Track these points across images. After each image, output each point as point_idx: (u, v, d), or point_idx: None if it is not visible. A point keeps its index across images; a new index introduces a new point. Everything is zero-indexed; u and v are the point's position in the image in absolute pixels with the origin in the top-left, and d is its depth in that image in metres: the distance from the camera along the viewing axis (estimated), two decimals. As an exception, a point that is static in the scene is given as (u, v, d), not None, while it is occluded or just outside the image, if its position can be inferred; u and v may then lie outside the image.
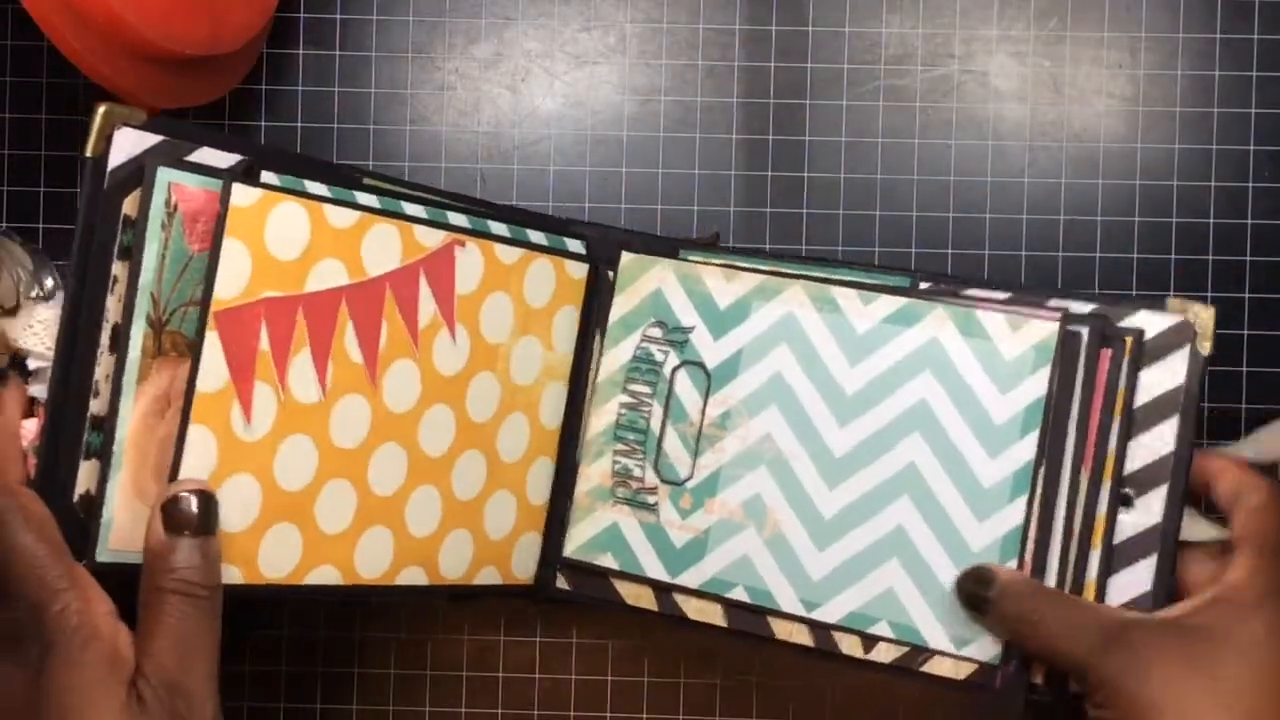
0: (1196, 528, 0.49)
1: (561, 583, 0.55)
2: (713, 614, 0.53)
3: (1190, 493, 0.49)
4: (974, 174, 0.59)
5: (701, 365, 0.54)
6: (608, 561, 0.55)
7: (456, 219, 0.52)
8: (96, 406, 0.44)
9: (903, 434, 0.51)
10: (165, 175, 0.44)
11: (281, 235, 0.46)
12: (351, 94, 0.59)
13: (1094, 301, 0.50)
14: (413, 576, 0.52)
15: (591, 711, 0.59)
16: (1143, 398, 0.49)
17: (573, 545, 0.55)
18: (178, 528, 0.43)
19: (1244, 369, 0.58)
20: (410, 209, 0.51)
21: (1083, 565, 0.49)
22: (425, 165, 0.59)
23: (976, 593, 0.49)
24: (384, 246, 0.49)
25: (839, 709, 0.59)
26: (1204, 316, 0.49)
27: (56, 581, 0.41)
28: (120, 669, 0.41)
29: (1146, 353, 0.49)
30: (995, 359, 0.50)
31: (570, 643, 0.59)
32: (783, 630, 0.52)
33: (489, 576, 0.54)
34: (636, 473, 0.54)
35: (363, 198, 0.49)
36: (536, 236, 0.54)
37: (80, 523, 0.44)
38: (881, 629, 0.50)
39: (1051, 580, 0.49)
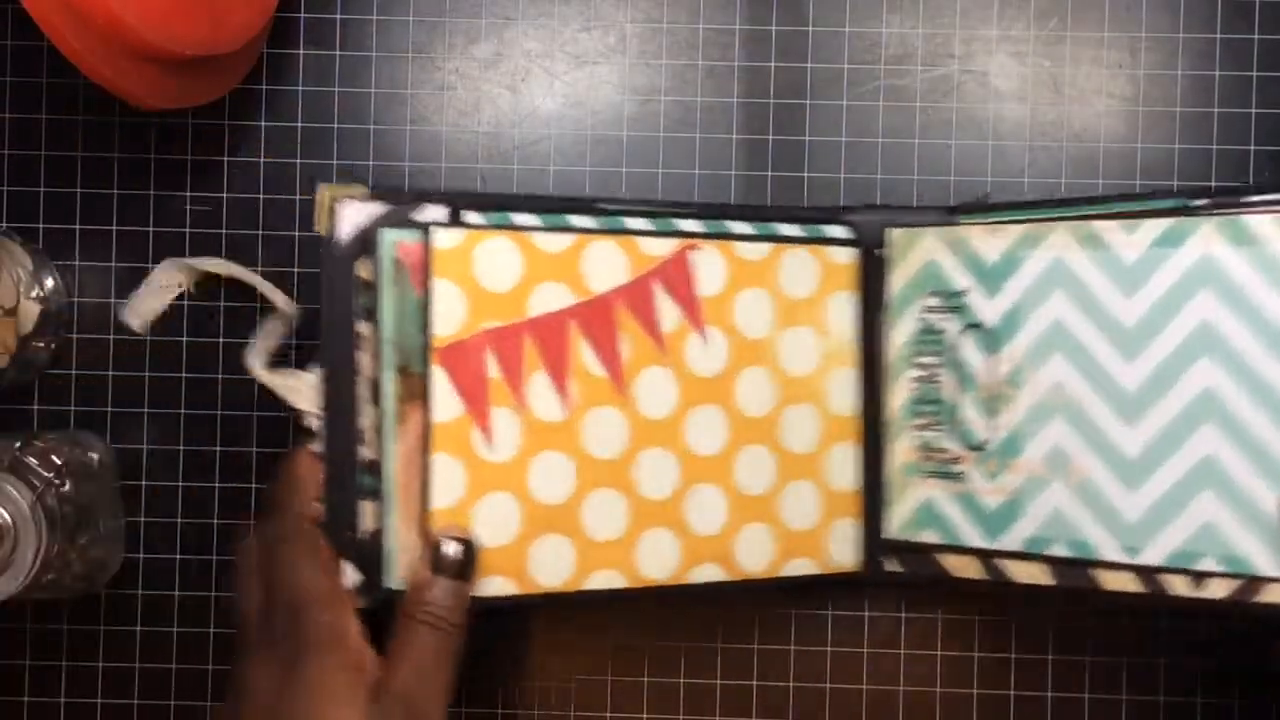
0: None
1: (892, 565, 0.56)
2: (1038, 574, 0.52)
3: None
4: (974, 174, 0.59)
5: (982, 326, 0.54)
6: (929, 537, 0.55)
7: (688, 225, 0.53)
8: (367, 452, 0.50)
9: (1192, 359, 0.49)
10: (389, 236, 0.49)
11: (491, 269, 0.50)
12: (351, 94, 0.59)
13: None
14: (708, 574, 0.53)
15: (591, 711, 0.59)
16: None
17: (893, 526, 0.55)
18: (438, 568, 0.48)
19: None
20: (632, 223, 0.53)
21: None
22: (425, 165, 0.59)
23: None
24: (607, 263, 0.51)
25: (839, 709, 0.59)
26: None
27: (318, 597, 0.47)
28: (364, 678, 0.46)
29: None
30: (1272, 263, 0.48)
31: (570, 642, 0.59)
32: (1110, 580, 0.51)
33: (802, 567, 0.55)
34: (939, 444, 0.54)
35: (577, 220, 0.52)
36: (788, 229, 0.55)
37: (367, 557, 0.49)
38: (1208, 564, 0.48)
39: None
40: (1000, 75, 0.59)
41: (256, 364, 0.53)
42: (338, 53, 0.59)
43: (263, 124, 0.59)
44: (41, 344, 0.57)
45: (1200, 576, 0.49)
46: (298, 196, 0.59)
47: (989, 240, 0.53)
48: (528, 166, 0.59)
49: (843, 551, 0.56)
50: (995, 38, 0.59)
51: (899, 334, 0.55)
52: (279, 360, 0.55)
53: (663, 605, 0.59)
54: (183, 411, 0.59)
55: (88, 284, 0.59)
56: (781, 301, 0.54)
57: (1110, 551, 0.51)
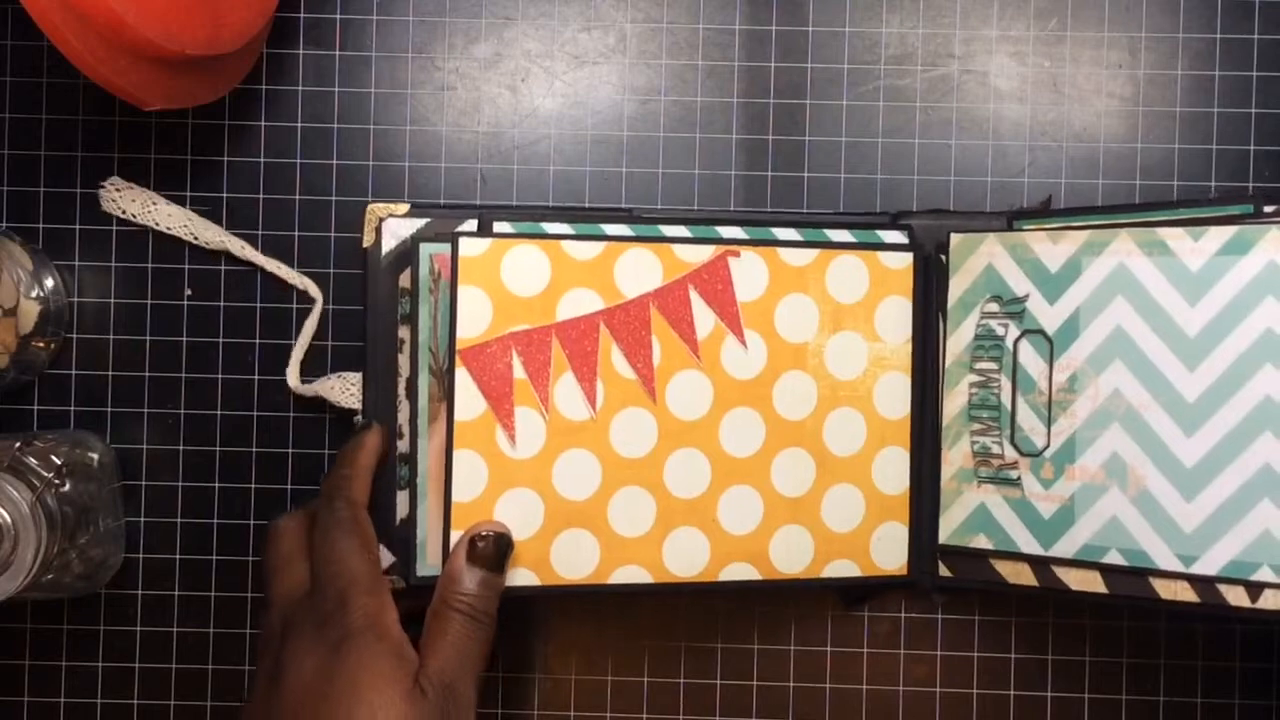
0: None
1: (942, 570, 0.56)
2: (1093, 582, 0.52)
3: None
4: (974, 174, 0.59)
5: (1042, 332, 0.54)
6: (982, 543, 0.55)
7: (729, 232, 0.55)
8: (402, 446, 0.54)
9: (1254, 368, 0.49)
10: (426, 249, 0.53)
11: (519, 275, 0.52)
12: (351, 94, 0.59)
13: None
14: (739, 573, 0.54)
15: (591, 711, 0.59)
16: None
17: (947, 531, 0.56)
18: (475, 560, 0.50)
19: None
20: (669, 230, 0.54)
21: None
22: (425, 165, 0.59)
23: None
24: (641, 269, 0.53)
25: (839, 709, 0.59)
26: None
27: (365, 584, 0.49)
28: (406, 663, 0.48)
29: None
30: None
31: (570, 643, 0.59)
32: (1166, 590, 0.51)
33: (843, 569, 0.55)
34: (996, 450, 0.55)
35: (612, 229, 0.54)
36: (837, 235, 0.56)
37: (400, 543, 0.54)
38: (1265, 574, 0.49)
39: None
40: (1000, 75, 0.59)
41: (296, 380, 0.57)
42: (338, 53, 0.59)
43: (263, 124, 0.59)
44: (41, 344, 0.57)
45: (1258, 588, 0.49)
46: (297, 196, 0.59)
47: (1051, 247, 0.53)
48: (528, 166, 0.59)
49: (887, 555, 0.56)
50: (995, 38, 0.59)
51: (958, 339, 0.56)
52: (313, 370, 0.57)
53: (695, 602, 0.59)
54: (183, 411, 0.59)
55: (88, 284, 0.59)
56: (828, 306, 0.55)
57: (1166, 561, 0.51)
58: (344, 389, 0.56)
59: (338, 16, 0.59)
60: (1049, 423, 0.53)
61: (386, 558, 0.54)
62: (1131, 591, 0.51)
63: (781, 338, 0.54)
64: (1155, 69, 0.59)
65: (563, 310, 0.52)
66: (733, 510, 0.54)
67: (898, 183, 0.59)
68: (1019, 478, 0.54)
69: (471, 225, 0.54)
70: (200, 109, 0.58)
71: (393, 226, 0.54)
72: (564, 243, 0.52)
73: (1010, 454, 0.54)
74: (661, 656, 0.59)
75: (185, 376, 0.59)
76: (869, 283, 0.55)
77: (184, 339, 0.59)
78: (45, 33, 0.45)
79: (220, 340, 0.59)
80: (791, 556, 0.55)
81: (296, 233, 0.59)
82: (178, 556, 0.59)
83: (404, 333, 0.54)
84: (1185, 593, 0.50)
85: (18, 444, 0.53)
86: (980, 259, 0.55)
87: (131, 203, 0.58)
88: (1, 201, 0.59)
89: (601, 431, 0.52)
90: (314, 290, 0.58)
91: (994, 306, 0.55)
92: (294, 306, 0.58)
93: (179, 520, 0.59)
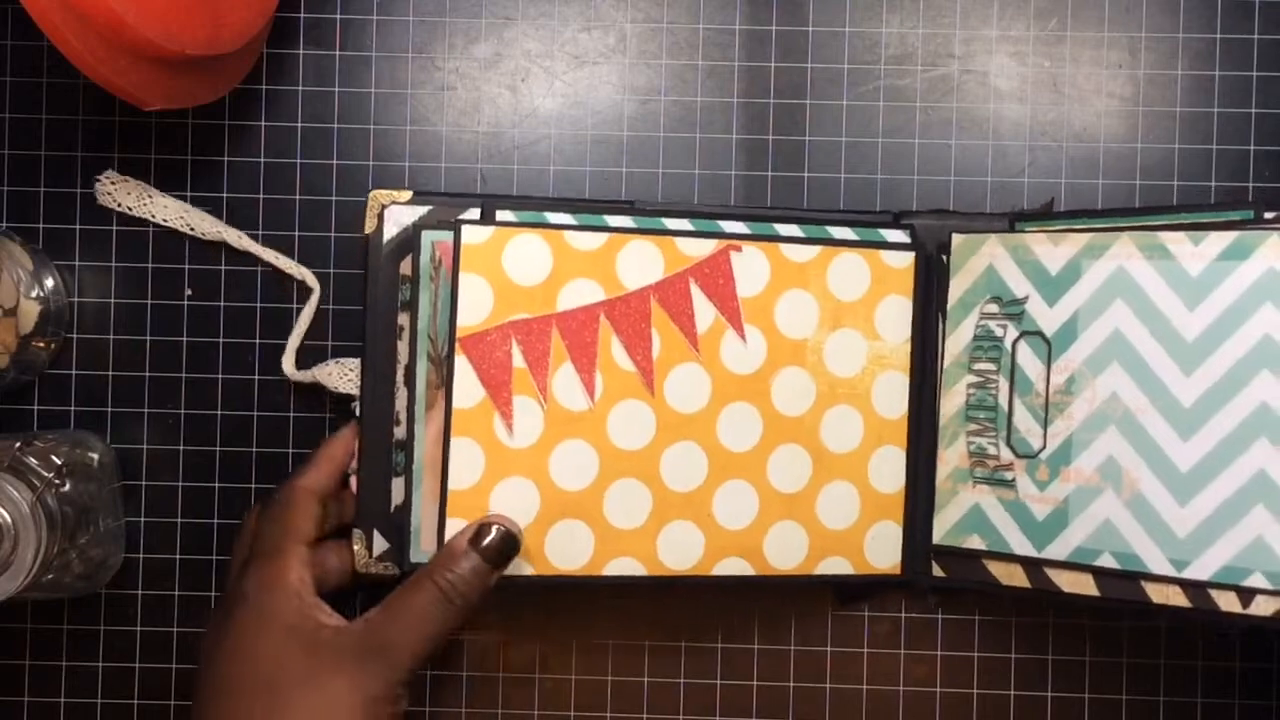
0: None
1: (936, 570, 0.56)
2: (1085, 584, 0.52)
3: None
4: (974, 174, 0.59)
5: (1040, 334, 0.54)
6: (976, 543, 0.55)
7: (731, 227, 0.55)
8: (399, 433, 0.54)
9: (1251, 374, 0.49)
10: (428, 236, 0.53)
11: (521, 264, 0.52)
12: (351, 94, 0.59)
13: None
14: (733, 567, 0.54)
15: (591, 711, 0.59)
16: None
17: (940, 530, 0.56)
18: (477, 547, 0.50)
19: None
20: (671, 223, 0.54)
21: None
22: (425, 165, 0.59)
23: None
24: (643, 261, 0.53)
25: (839, 709, 0.59)
26: None
27: (265, 548, 0.51)
28: (303, 607, 0.49)
29: None
30: None
31: (570, 643, 0.59)
32: (1158, 594, 0.51)
33: (836, 566, 0.55)
34: (991, 450, 0.55)
35: (614, 220, 0.54)
36: (839, 232, 0.56)
37: (398, 529, 0.54)
38: (1257, 580, 0.49)
39: None
40: (1000, 75, 0.59)
41: (291, 367, 0.57)
42: (338, 53, 0.59)
43: (263, 124, 0.59)
44: (42, 344, 0.57)
45: (1249, 593, 0.49)
46: (298, 196, 0.59)
47: (1052, 249, 0.53)
48: (528, 166, 0.59)
49: (881, 553, 0.56)
50: (995, 38, 0.59)
51: (957, 340, 0.56)
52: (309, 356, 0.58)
53: (696, 602, 0.59)
54: (183, 411, 0.59)
55: (88, 284, 0.59)
56: (828, 303, 0.55)
57: (1158, 565, 0.51)
58: (342, 374, 0.56)
59: (338, 16, 0.59)
60: (1045, 424, 0.53)
61: (379, 544, 0.54)
62: (1123, 595, 0.52)
63: (781, 333, 0.54)
64: (1155, 69, 0.59)
65: (563, 300, 0.52)
66: (728, 505, 0.54)
67: (898, 183, 0.59)
68: (1014, 479, 0.54)
69: (474, 214, 0.54)
70: (200, 109, 0.58)
71: (395, 214, 0.54)
72: (566, 233, 0.52)
73: (1006, 455, 0.54)
74: (661, 656, 0.59)
75: (185, 376, 0.59)
76: (870, 281, 0.55)
77: (184, 339, 0.59)
78: (45, 33, 0.45)
79: (220, 340, 0.59)
80: (785, 552, 0.55)
81: (296, 232, 0.59)
82: (178, 556, 0.59)
83: (403, 320, 0.54)
84: (1177, 597, 0.50)
85: (18, 444, 0.53)
86: (981, 260, 0.55)
87: (127, 195, 0.58)
88: (1, 201, 0.59)
89: (599, 422, 0.52)
90: (311, 280, 0.58)
91: (993, 307, 0.55)
92: (294, 306, 0.58)
93: (179, 520, 0.59)
